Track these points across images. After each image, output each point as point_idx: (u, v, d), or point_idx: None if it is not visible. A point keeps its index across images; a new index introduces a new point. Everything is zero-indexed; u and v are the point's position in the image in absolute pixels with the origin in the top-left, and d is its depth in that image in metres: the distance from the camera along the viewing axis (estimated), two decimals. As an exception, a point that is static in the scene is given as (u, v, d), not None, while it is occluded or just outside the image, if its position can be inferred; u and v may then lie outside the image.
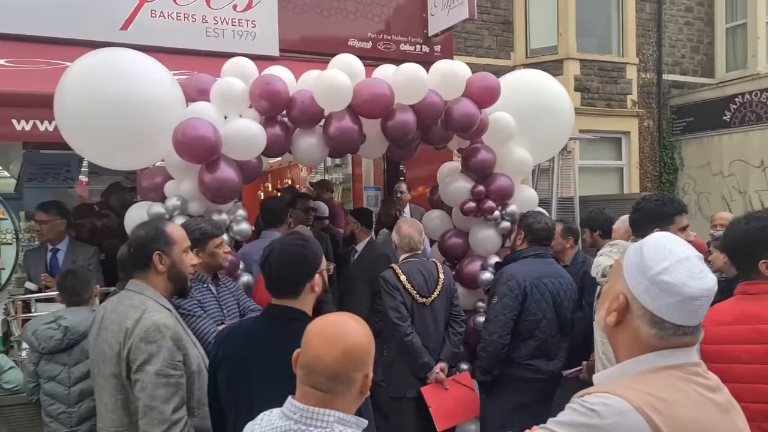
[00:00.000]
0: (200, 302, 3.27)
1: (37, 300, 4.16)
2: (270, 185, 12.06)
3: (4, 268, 5.18)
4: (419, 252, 4.29)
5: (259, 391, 2.09)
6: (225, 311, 3.38)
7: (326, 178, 10.06)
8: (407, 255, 4.25)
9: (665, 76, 12.66)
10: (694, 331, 1.37)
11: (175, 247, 2.57)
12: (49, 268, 4.80)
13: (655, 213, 3.17)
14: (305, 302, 2.25)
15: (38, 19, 5.42)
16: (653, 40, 12.60)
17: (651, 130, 12.65)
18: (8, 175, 9.37)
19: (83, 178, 7.95)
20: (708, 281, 1.35)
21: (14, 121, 4.05)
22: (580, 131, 10.51)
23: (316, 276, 2.27)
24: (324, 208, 6.50)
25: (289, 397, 1.57)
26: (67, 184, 7.05)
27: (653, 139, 12.68)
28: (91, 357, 2.54)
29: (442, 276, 4.21)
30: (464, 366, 4.50)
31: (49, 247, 5.03)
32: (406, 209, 6.69)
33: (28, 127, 4.09)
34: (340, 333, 1.57)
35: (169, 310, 2.51)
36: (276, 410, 1.60)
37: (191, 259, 2.66)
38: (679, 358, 1.37)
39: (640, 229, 3.13)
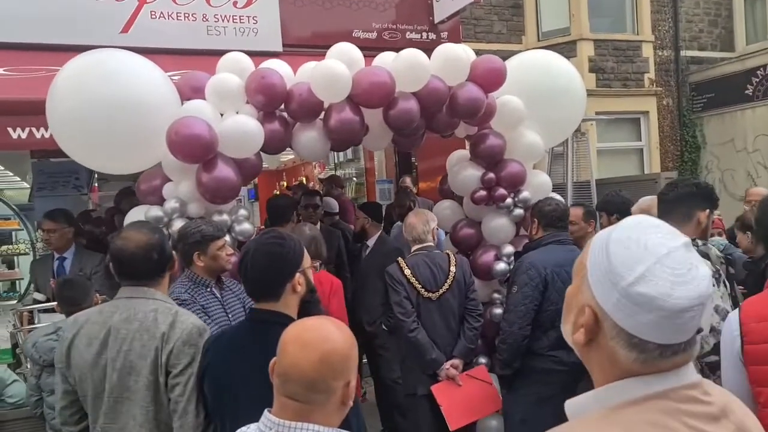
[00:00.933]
0: (204, 308, 3.17)
1: (41, 311, 4.11)
2: (285, 183, 12.01)
3: (23, 278, 5.19)
4: (430, 244, 4.13)
5: (242, 400, 1.98)
6: (230, 316, 3.27)
7: (338, 173, 9.97)
8: (417, 247, 4.11)
9: (683, 53, 12.32)
10: (687, 346, 1.05)
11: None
12: (57, 277, 4.73)
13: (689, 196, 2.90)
14: (288, 304, 2.12)
15: (38, 27, 5.38)
16: (669, 16, 12.26)
17: (670, 108, 12.33)
18: (26, 185, 9.46)
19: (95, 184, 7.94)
20: (698, 284, 1.01)
21: (10, 130, 3.99)
22: (597, 113, 10.27)
23: (297, 275, 2.13)
24: (333, 204, 6.39)
25: (265, 411, 1.46)
26: (78, 192, 7.04)
27: (673, 117, 12.36)
28: (90, 375, 2.35)
29: (453, 269, 4.04)
30: (482, 360, 4.36)
31: (56, 255, 4.97)
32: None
33: (24, 135, 4.04)
34: (317, 338, 1.44)
35: None
36: (253, 426, 1.48)
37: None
38: (668, 382, 1.04)
39: (667, 212, 2.90)
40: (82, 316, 2.46)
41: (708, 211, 2.88)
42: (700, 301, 1.01)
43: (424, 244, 4.11)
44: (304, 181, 11.94)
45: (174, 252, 2.52)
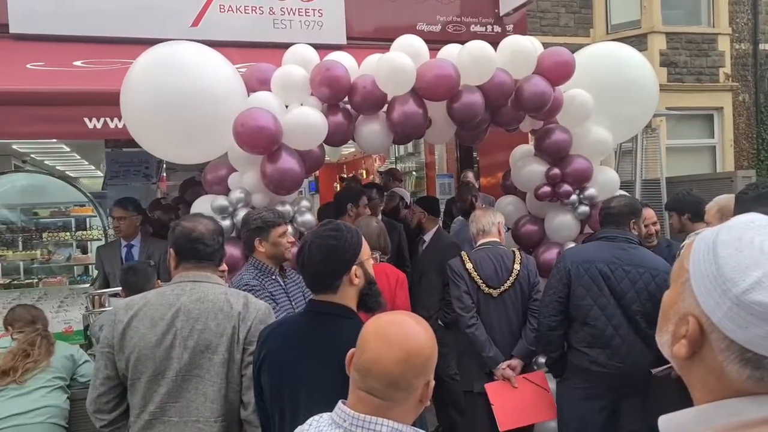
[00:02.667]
0: (272, 294, 3.23)
1: (111, 295, 4.26)
2: (346, 175, 12.09)
3: (95, 263, 5.40)
4: (495, 239, 4.03)
5: (303, 391, 1.98)
6: (294, 303, 3.32)
7: (398, 166, 9.95)
8: (482, 242, 4.03)
9: (762, 46, 11.73)
10: None
11: None
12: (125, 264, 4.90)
13: None
14: (345, 296, 2.10)
15: (113, 22, 5.59)
16: (748, 8, 11.70)
17: (747, 104, 11.77)
18: (100, 174, 9.87)
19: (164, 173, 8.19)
20: None
21: (86, 120, 4.14)
22: (668, 109, 9.90)
23: (354, 268, 2.10)
24: (406, 195, 6.40)
25: (339, 402, 1.44)
26: (147, 180, 7.27)
27: (749, 114, 11.79)
28: (152, 355, 2.39)
29: (517, 266, 3.94)
30: (541, 359, 4.27)
31: (123, 243, 5.13)
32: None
33: (99, 125, 4.18)
34: (401, 334, 1.41)
35: None
36: (326, 415, 1.46)
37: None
38: None
39: (745, 212, 2.74)
40: (138, 299, 2.50)
41: None
42: None
43: (490, 239, 4.02)
44: (364, 175, 12.01)
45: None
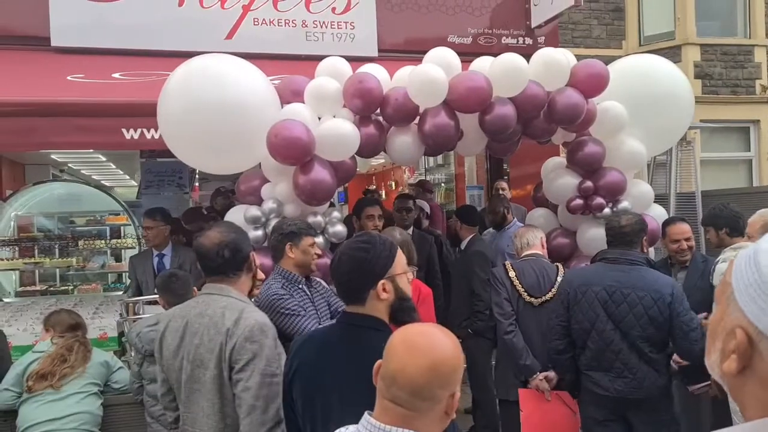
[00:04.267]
0: (299, 304, 3.24)
1: (146, 303, 4.33)
2: (374, 187, 12.13)
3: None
4: (538, 252, 4.09)
5: (335, 402, 1.97)
6: (319, 313, 3.33)
7: (428, 178, 9.94)
8: (526, 253, 4.09)
9: (800, 58, 11.49)
10: None
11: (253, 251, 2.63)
12: (157, 273, 4.94)
13: None
14: (374, 309, 2.07)
15: (150, 34, 5.72)
16: (786, 19, 11.48)
17: (785, 117, 11.52)
18: (134, 183, 10.06)
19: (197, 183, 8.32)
20: None
21: (124, 131, 4.23)
22: (702, 121, 9.74)
23: (383, 282, 2.06)
24: (426, 206, 6.40)
25: (366, 413, 1.44)
26: (181, 190, 7.40)
27: (788, 127, 11.54)
28: (170, 365, 2.49)
29: (559, 279, 3.96)
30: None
31: (155, 252, 5.21)
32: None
33: (136, 136, 4.26)
34: (428, 344, 1.42)
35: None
36: (352, 427, 1.47)
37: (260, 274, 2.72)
38: None
39: None
40: (172, 310, 2.61)
41: None
42: None
43: (533, 251, 4.07)
44: (393, 186, 12.03)
45: (252, 253, 2.56)
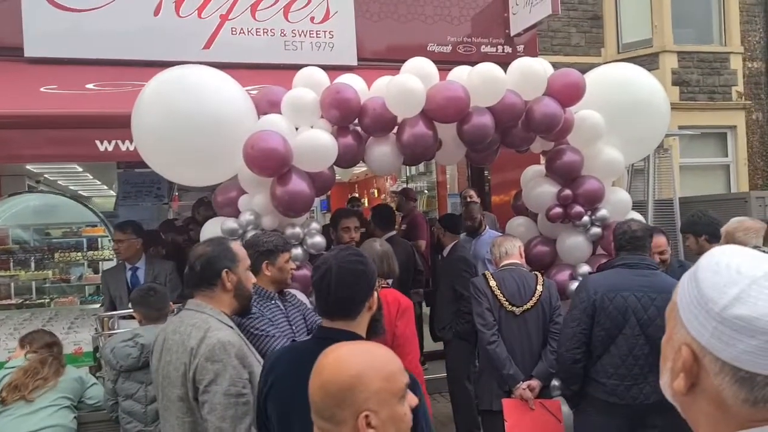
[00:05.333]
0: (272, 321, 3.18)
1: (121, 317, 4.26)
2: (357, 195, 12.10)
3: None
4: (517, 261, 4.08)
5: (310, 421, 1.94)
6: (294, 328, 3.27)
7: (410, 186, 9.94)
8: (505, 263, 4.07)
9: (775, 64, 11.67)
10: None
11: (240, 264, 2.51)
12: (131, 287, 4.87)
13: None
14: (361, 323, 2.07)
15: (125, 44, 5.66)
16: (760, 26, 11.64)
17: (761, 122, 11.67)
18: (112, 193, 9.94)
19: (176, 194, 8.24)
20: None
21: (98, 142, 4.17)
22: (680, 127, 9.84)
23: (374, 294, 2.09)
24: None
25: None
26: (159, 201, 7.31)
27: (763, 132, 11.69)
28: (154, 379, 2.50)
29: (540, 288, 3.97)
30: (555, 382, 4.21)
31: (128, 266, 5.10)
32: None
33: (110, 148, 4.21)
34: (324, 363, 1.40)
35: (231, 327, 2.43)
36: None
37: (252, 278, 2.58)
38: None
39: None
40: (165, 324, 2.58)
41: None
42: None
43: (512, 260, 4.06)
44: (376, 194, 12.02)
45: (229, 270, 2.46)
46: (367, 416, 1.34)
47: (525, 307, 3.92)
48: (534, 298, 3.92)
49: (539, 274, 4.10)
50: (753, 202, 6.76)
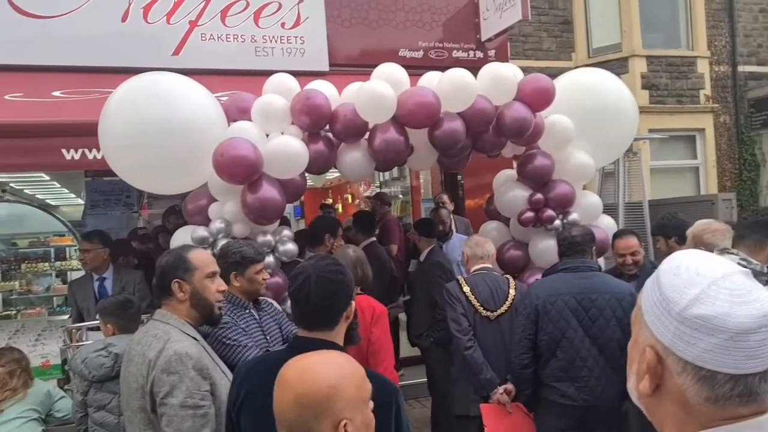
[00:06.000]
0: (245, 330, 3.14)
1: (89, 328, 4.17)
2: (330, 200, 12.07)
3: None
4: (489, 265, 4.09)
5: None
6: (268, 337, 3.23)
7: (383, 191, 9.94)
8: (477, 267, 4.06)
9: (741, 68, 11.89)
10: (762, 381, 0.92)
11: (197, 273, 2.45)
12: (99, 298, 4.76)
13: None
14: (339, 333, 2.05)
15: (93, 50, 5.56)
16: (726, 31, 11.88)
17: (728, 125, 11.90)
18: (81, 202, 9.76)
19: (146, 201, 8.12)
20: (763, 305, 0.92)
21: (63, 151, 4.10)
22: (650, 131, 9.99)
23: (352, 303, 2.07)
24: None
25: None
26: (129, 209, 7.20)
27: (731, 134, 11.92)
28: (121, 389, 2.45)
29: (512, 292, 3.98)
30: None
31: (95, 276, 4.99)
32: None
33: (77, 156, 4.14)
34: (293, 377, 1.37)
35: (194, 338, 2.39)
36: None
37: (218, 286, 2.53)
38: None
39: (741, 237, 2.81)
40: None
41: None
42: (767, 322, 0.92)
43: (485, 265, 4.06)
44: (350, 199, 11.99)
45: (181, 280, 2.42)
46: (345, 425, 1.34)
47: (499, 311, 3.93)
48: (507, 302, 3.94)
49: (511, 278, 4.12)
50: (720, 204, 6.89)
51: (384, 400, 1.80)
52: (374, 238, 6.00)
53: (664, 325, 0.96)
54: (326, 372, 1.38)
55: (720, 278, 0.94)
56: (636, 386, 1.02)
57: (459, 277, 4.09)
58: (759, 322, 0.91)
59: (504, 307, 3.93)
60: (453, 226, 5.92)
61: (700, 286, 0.94)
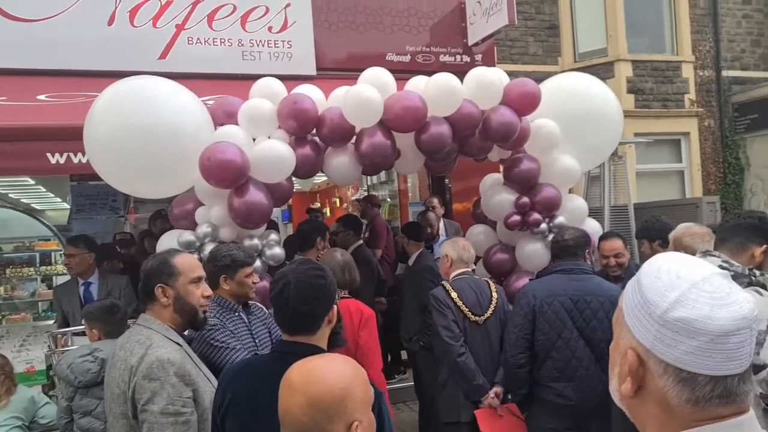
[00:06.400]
0: (233, 333, 3.14)
1: (75, 334, 4.14)
2: (318, 204, 12.05)
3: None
4: (469, 270, 4.09)
5: None
6: (257, 341, 3.23)
7: (373, 194, 9.94)
8: (460, 272, 4.03)
9: (725, 73, 12.02)
10: (741, 382, 0.95)
11: (181, 278, 2.44)
12: (84, 303, 4.73)
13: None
14: (322, 337, 2.06)
15: (78, 54, 5.54)
16: (710, 36, 12.00)
17: (712, 129, 12.02)
18: (66, 206, 9.68)
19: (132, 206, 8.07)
20: (741, 307, 0.94)
21: (48, 155, 4.06)
22: (636, 134, 10.08)
23: (334, 307, 2.08)
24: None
25: None
26: (115, 214, 7.16)
27: (715, 138, 12.04)
28: (105, 395, 2.44)
29: (495, 294, 4.00)
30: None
31: (80, 281, 4.95)
32: (440, 224, 6.47)
33: (62, 160, 4.10)
34: (305, 381, 1.38)
35: (178, 344, 2.38)
36: None
37: (204, 291, 2.52)
38: None
39: (723, 239, 2.84)
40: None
41: (765, 247, 2.79)
42: (747, 324, 0.93)
43: (467, 269, 4.05)
44: (338, 203, 11.98)
45: (165, 285, 2.42)
46: (357, 426, 1.37)
47: (486, 315, 3.93)
48: (492, 306, 3.95)
49: (489, 281, 4.14)
50: (704, 207, 6.96)
51: None
52: (362, 241, 6.00)
53: (645, 328, 0.98)
54: (336, 374, 1.40)
55: (700, 281, 0.96)
56: (618, 388, 1.04)
57: (444, 282, 4.05)
58: (738, 324, 0.92)
59: (490, 311, 3.94)
60: (443, 230, 5.92)
61: (680, 289, 0.95)
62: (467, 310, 3.89)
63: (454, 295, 3.91)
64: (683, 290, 0.95)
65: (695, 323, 0.93)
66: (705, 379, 0.93)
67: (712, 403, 0.94)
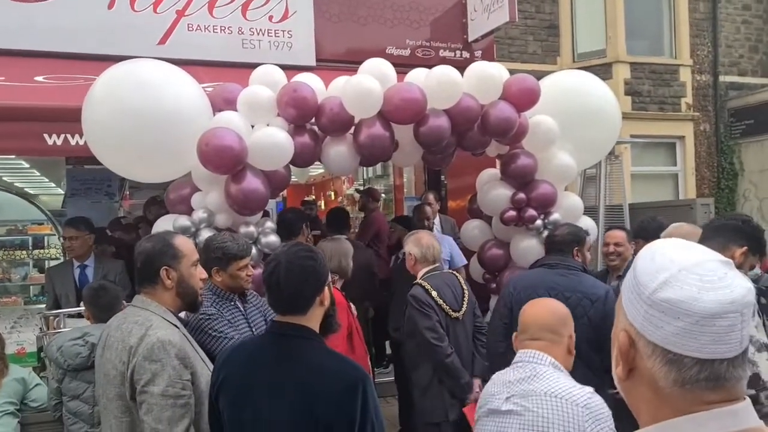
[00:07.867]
0: (230, 322, 3.12)
1: (68, 316, 4.13)
2: (313, 197, 12.04)
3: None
4: (438, 265, 4.02)
5: (263, 416, 1.92)
6: (254, 329, 3.22)
7: (372, 187, 9.92)
8: (430, 268, 3.95)
9: (722, 78, 12.07)
10: (731, 367, 0.94)
11: (184, 260, 2.42)
12: (79, 285, 4.71)
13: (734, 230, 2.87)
14: (313, 318, 2.07)
15: (78, 37, 5.50)
16: (708, 41, 12.05)
17: (708, 134, 12.07)
18: (60, 191, 9.64)
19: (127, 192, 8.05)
20: (732, 291, 0.93)
21: (45, 136, 4.04)
22: (632, 136, 10.10)
23: (325, 289, 2.09)
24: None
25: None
26: (110, 199, 7.13)
27: (710, 143, 12.09)
28: (96, 377, 2.41)
29: (465, 287, 4.00)
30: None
31: (76, 263, 4.92)
32: (436, 220, 6.46)
33: (59, 142, 4.08)
34: (544, 302, 2.51)
35: (176, 326, 2.37)
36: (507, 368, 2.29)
37: (200, 273, 2.51)
38: (723, 424, 0.94)
39: (706, 238, 2.87)
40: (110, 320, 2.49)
41: (746, 248, 2.82)
42: (736, 308, 0.92)
43: (436, 265, 3.99)
44: (333, 196, 11.98)
45: (169, 267, 2.38)
46: (571, 336, 2.40)
47: (463, 310, 3.90)
48: (466, 299, 3.94)
49: (456, 273, 4.15)
50: (698, 209, 6.99)
51: (352, 379, 1.93)
52: (345, 236, 5.95)
53: (636, 309, 0.99)
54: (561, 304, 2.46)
55: (692, 265, 0.96)
56: (615, 370, 1.05)
57: (422, 281, 3.91)
58: (726, 307, 0.92)
59: (465, 305, 3.92)
60: (438, 226, 5.92)
61: (670, 271, 0.96)
62: (448, 307, 3.83)
63: (434, 294, 3.80)
64: (673, 272, 0.96)
65: (681, 304, 0.93)
66: (691, 361, 0.94)
67: (699, 385, 0.94)
